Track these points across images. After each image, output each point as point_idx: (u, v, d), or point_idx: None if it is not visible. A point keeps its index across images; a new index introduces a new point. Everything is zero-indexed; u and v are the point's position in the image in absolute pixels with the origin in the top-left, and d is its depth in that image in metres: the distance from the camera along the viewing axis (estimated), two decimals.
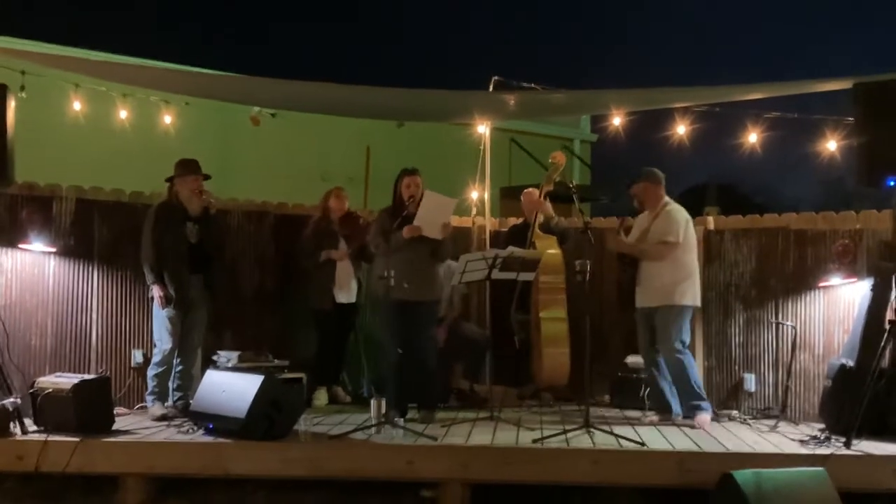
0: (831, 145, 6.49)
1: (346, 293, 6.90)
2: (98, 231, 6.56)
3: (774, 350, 6.59)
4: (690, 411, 5.97)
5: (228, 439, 5.20)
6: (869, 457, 4.97)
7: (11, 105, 5.51)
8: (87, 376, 5.67)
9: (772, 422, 6.07)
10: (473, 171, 7.71)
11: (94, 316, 6.52)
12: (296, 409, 5.54)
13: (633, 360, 6.80)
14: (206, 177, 6.26)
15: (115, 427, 5.51)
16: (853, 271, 6.23)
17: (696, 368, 6.11)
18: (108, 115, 7.72)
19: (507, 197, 11.28)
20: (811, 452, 5.00)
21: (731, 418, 6.29)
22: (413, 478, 5.08)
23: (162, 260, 6.04)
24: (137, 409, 6.43)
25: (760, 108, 6.70)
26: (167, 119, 7.83)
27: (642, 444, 5.21)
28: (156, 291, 6.04)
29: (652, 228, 6.11)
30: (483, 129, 7.60)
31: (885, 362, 5.40)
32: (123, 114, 7.71)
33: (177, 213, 6.15)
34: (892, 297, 5.63)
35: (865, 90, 5.37)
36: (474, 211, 7.81)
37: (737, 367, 6.73)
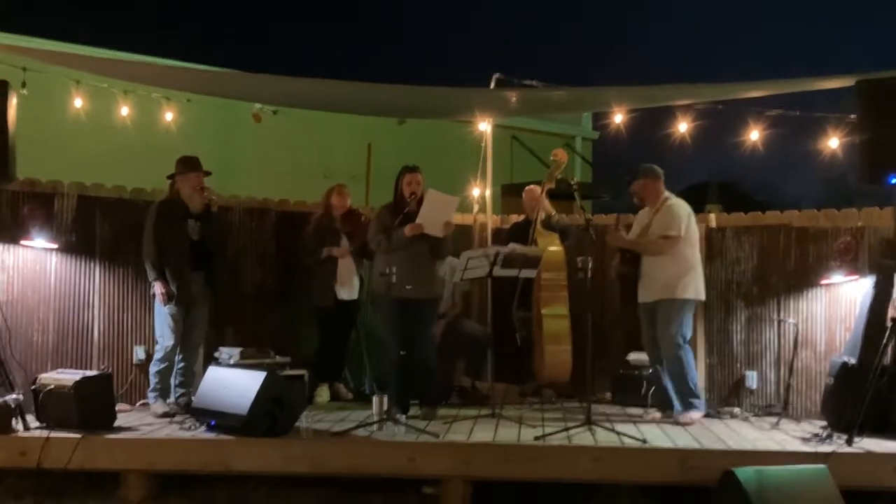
0: (833, 143, 6.47)
1: (347, 290, 6.90)
2: (100, 228, 6.57)
3: (776, 347, 6.59)
4: (683, 407, 5.97)
5: (230, 436, 5.21)
6: (871, 454, 4.96)
7: (13, 102, 5.51)
8: (89, 373, 5.69)
9: (774, 419, 6.06)
10: (475, 168, 7.71)
11: (96, 312, 6.53)
12: (297, 406, 5.56)
13: (635, 357, 6.80)
14: (208, 173, 6.27)
15: (116, 424, 5.52)
16: (855, 269, 6.23)
17: (694, 365, 6.10)
18: (109, 112, 7.70)
19: (509, 194, 11.25)
20: (813, 450, 5.00)
21: (732, 416, 6.29)
22: (415, 475, 5.08)
23: (164, 257, 6.05)
24: (139, 405, 6.43)
25: (762, 106, 6.69)
26: (168, 116, 7.80)
27: (644, 441, 5.21)
28: (157, 288, 6.05)
29: (653, 223, 6.10)
30: (484, 126, 7.60)
31: (887, 360, 5.40)
32: (125, 111, 7.69)
33: (178, 210, 6.15)
34: (894, 295, 5.63)
35: (868, 87, 5.36)
36: (476, 208, 7.81)
37: (738, 365, 6.72)
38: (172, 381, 6.20)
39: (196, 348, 6.29)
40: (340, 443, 5.25)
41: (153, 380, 6.14)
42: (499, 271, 5.96)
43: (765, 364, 6.62)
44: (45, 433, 5.16)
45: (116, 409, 5.69)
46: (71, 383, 5.36)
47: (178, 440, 5.26)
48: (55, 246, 6.35)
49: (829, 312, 6.36)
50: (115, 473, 5.15)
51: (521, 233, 6.95)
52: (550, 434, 5.34)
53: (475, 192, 7.79)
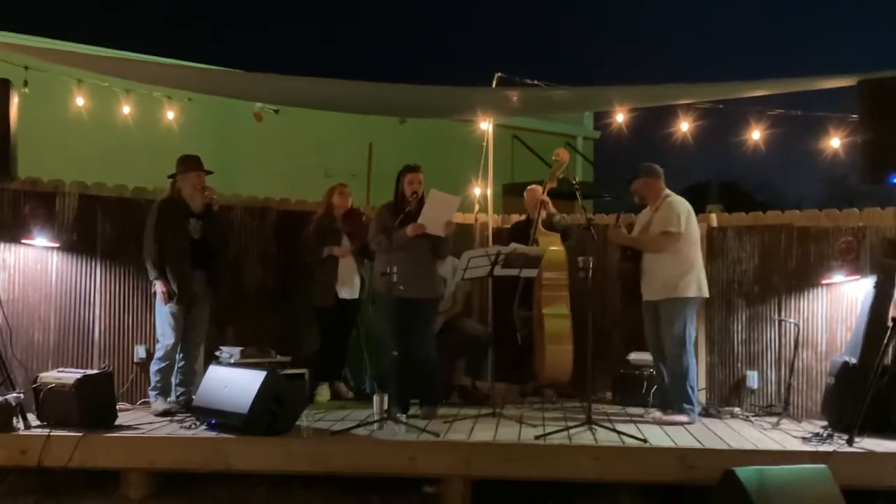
0: (835, 142, 6.47)
1: (348, 289, 6.90)
2: (101, 227, 6.57)
3: (777, 347, 6.58)
4: (675, 407, 5.96)
5: (231, 435, 5.21)
6: (871, 454, 4.96)
7: (14, 100, 5.50)
8: (89, 371, 5.70)
9: (774, 419, 6.06)
10: (476, 167, 7.71)
11: (97, 311, 6.53)
12: (298, 405, 5.56)
13: (636, 356, 6.80)
14: (209, 172, 6.27)
15: (117, 422, 5.53)
16: (856, 268, 6.22)
17: (696, 371, 6.07)
18: (110, 111, 7.72)
19: (510, 194, 11.27)
20: (814, 449, 5.00)
21: (733, 415, 6.29)
22: (415, 474, 5.09)
23: (165, 256, 6.05)
24: (140, 404, 6.44)
25: (763, 106, 6.69)
26: (170, 115, 7.82)
27: (644, 440, 5.21)
28: (158, 287, 6.05)
29: (653, 221, 6.09)
30: (486, 125, 7.59)
31: (888, 359, 5.40)
32: (126, 109, 7.71)
33: (179, 209, 6.16)
34: None
35: (870, 87, 5.35)
36: (477, 207, 7.81)
37: (739, 364, 6.72)
38: (173, 380, 6.20)
39: (197, 347, 6.29)
40: (341, 442, 5.25)
41: (154, 378, 6.15)
42: (500, 271, 5.96)
43: (766, 364, 6.62)
44: (45, 432, 5.16)
45: (117, 407, 5.70)
46: (72, 382, 5.36)
47: (178, 439, 5.26)
48: (56, 245, 6.36)
49: (830, 312, 6.35)
50: (116, 472, 5.16)
51: (523, 232, 6.95)
52: (551, 433, 5.34)
53: (476, 191, 7.79)
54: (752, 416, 6.27)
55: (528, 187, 7.25)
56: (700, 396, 6.36)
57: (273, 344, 6.78)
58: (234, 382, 5.41)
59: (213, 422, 5.38)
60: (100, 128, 8.48)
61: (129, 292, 6.63)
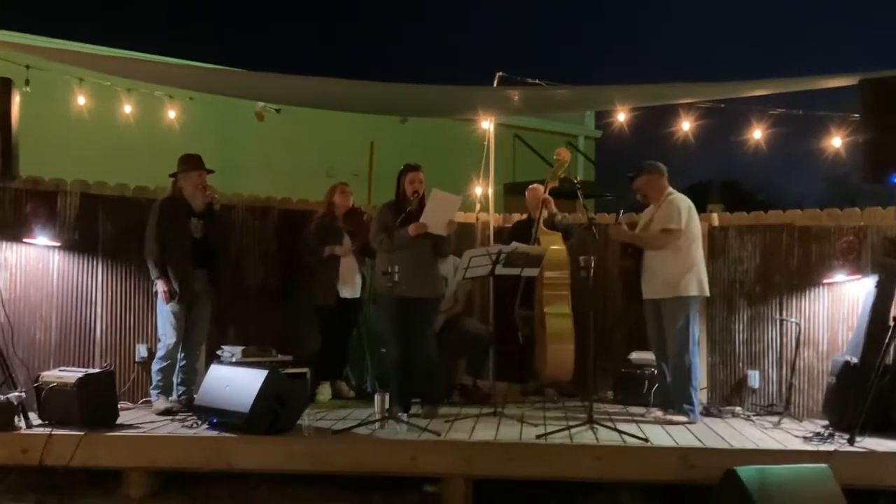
0: (836, 142, 6.48)
1: (350, 289, 6.90)
2: (102, 226, 6.58)
3: (778, 347, 6.58)
4: (676, 406, 5.96)
5: (232, 434, 5.21)
6: (873, 453, 4.96)
7: (16, 99, 5.51)
8: (91, 370, 5.70)
9: (775, 418, 6.06)
10: (477, 166, 7.71)
11: (99, 310, 6.54)
12: (299, 404, 5.55)
13: (637, 356, 6.80)
14: (210, 172, 6.27)
15: (119, 421, 5.53)
16: (858, 268, 6.22)
17: (699, 371, 6.07)
18: (112, 110, 7.73)
19: (511, 193, 11.27)
20: (815, 449, 5.00)
21: (734, 414, 6.28)
22: (416, 473, 5.09)
23: (166, 255, 6.06)
24: (141, 403, 6.45)
25: (765, 105, 6.70)
26: (171, 114, 7.83)
27: (646, 439, 5.21)
28: (160, 286, 6.05)
29: (655, 218, 6.08)
30: (487, 124, 7.60)
31: (890, 359, 5.40)
32: (127, 108, 7.73)
33: (181, 208, 6.16)
34: None
35: (871, 87, 5.34)
36: (478, 207, 7.81)
37: (741, 364, 6.72)
38: (174, 379, 6.21)
39: (198, 346, 6.29)
40: (342, 441, 5.25)
41: (155, 377, 6.15)
42: (501, 270, 5.95)
43: (767, 363, 6.62)
44: (47, 430, 5.16)
45: (118, 406, 5.70)
46: (73, 381, 5.37)
47: (179, 438, 5.26)
48: (58, 244, 6.36)
49: (832, 312, 6.35)
50: (117, 471, 5.16)
51: (524, 231, 6.95)
52: (552, 433, 5.33)
53: (477, 190, 7.79)
54: (754, 415, 6.27)
55: (530, 186, 7.25)
56: (701, 396, 6.35)
57: (274, 343, 6.79)
58: (235, 381, 5.41)
59: (215, 421, 5.38)
60: (101, 127, 8.49)
61: (131, 291, 6.63)
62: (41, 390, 5.45)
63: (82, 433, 5.12)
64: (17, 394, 5.32)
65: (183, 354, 6.21)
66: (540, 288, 6.75)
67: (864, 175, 5.45)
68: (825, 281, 6.36)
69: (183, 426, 5.51)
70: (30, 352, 6.19)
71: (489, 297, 6.89)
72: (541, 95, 7.01)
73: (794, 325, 6.47)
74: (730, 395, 6.71)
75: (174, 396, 6.18)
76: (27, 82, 6.63)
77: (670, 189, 6.14)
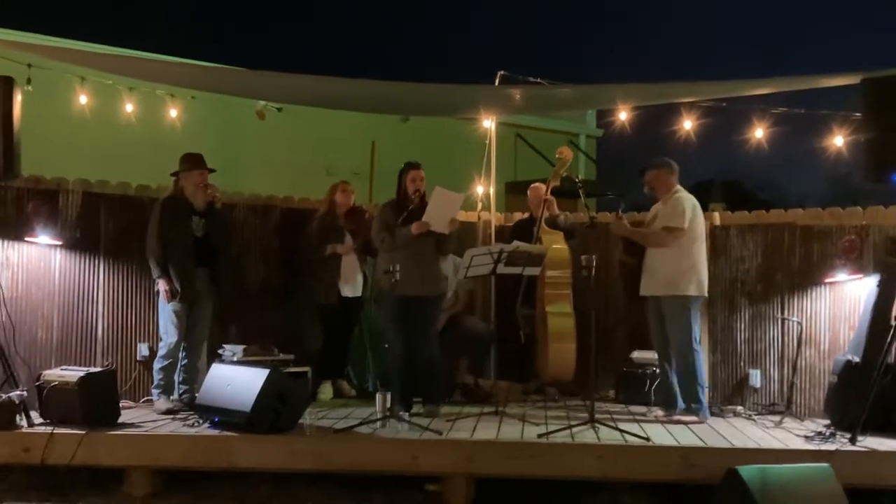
0: (838, 141, 6.47)
1: (351, 287, 6.90)
2: (104, 224, 6.57)
3: (780, 346, 6.58)
4: (685, 406, 5.96)
5: (234, 433, 5.21)
6: (874, 453, 4.96)
7: (18, 98, 5.51)
8: (92, 369, 5.70)
9: (777, 418, 6.06)
10: (479, 165, 7.71)
11: (100, 309, 6.54)
12: (301, 403, 5.56)
13: (639, 355, 6.80)
14: (211, 170, 6.27)
15: (120, 420, 5.53)
16: (859, 267, 6.22)
17: (703, 369, 6.06)
18: (113, 109, 7.74)
19: (513, 192, 11.28)
20: (816, 448, 5.00)
21: (735, 414, 6.28)
22: (418, 472, 5.09)
23: (168, 254, 6.06)
24: (143, 402, 6.45)
25: (767, 104, 6.69)
26: (173, 113, 7.84)
27: (647, 439, 5.21)
28: (161, 285, 6.06)
29: (659, 214, 6.08)
30: (488, 123, 7.59)
31: (891, 358, 5.39)
32: (129, 107, 7.73)
33: (183, 207, 6.16)
34: None
35: (873, 85, 5.34)
36: (480, 206, 7.80)
37: (742, 363, 6.72)
38: (176, 378, 6.21)
39: (200, 345, 6.30)
40: (343, 440, 5.25)
41: (157, 376, 6.16)
42: (503, 269, 5.95)
43: (768, 362, 6.62)
44: (48, 429, 5.17)
45: (120, 405, 5.70)
46: (75, 380, 5.37)
47: (181, 437, 5.26)
48: (59, 242, 6.36)
49: (834, 311, 6.34)
50: (119, 470, 5.16)
51: (526, 230, 6.95)
52: (554, 432, 5.33)
53: (479, 189, 7.79)
54: (755, 414, 6.27)
55: (532, 185, 7.25)
56: None
57: (276, 342, 6.78)
58: (237, 380, 5.41)
59: (217, 420, 5.38)
60: (103, 125, 8.50)
61: (132, 290, 6.63)
62: (43, 389, 5.46)
63: (84, 432, 5.12)
64: (18, 392, 5.33)
65: (184, 353, 6.21)
66: (541, 287, 6.75)
67: (866, 174, 5.45)
68: (827, 280, 6.36)
69: (184, 425, 5.51)
70: (31, 350, 6.19)
71: (491, 295, 6.88)
72: (542, 94, 7.00)
73: (795, 324, 6.46)
74: (731, 394, 6.71)
75: (176, 395, 6.18)
76: (29, 81, 6.63)
77: (678, 187, 6.13)
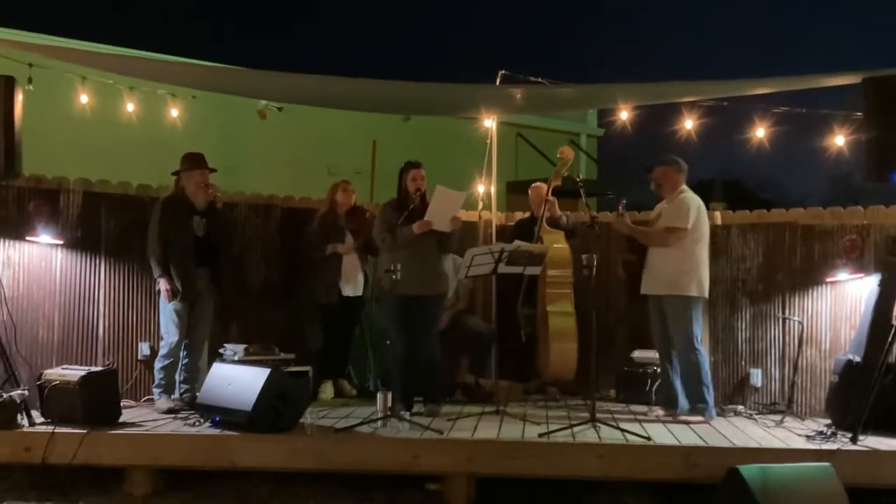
0: (839, 140, 6.47)
1: (352, 287, 6.90)
2: (105, 224, 6.58)
3: (781, 345, 6.58)
4: (690, 406, 5.95)
5: (235, 432, 5.21)
6: (875, 452, 4.96)
7: (19, 98, 5.51)
8: (94, 369, 5.70)
9: (778, 417, 6.06)
10: (480, 165, 7.70)
11: (101, 308, 6.54)
12: (302, 403, 5.56)
13: (640, 354, 6.80)
14: (212, 170, 6.27)
15: (121, 419, 5.54)
16: (860, 267, 6.22)
17: (708, 369, 6.06)
18: (114, 108, 7.74)
19: (514, 191, 11.27)
20: (817, 448, 5.00)
21: (736, 413, 6.28)
22: (418, 471, 5.09)
23: (169, 253, 6.06)
24: (144, 401, 6.44)
25: (768, 103, 6.68)
26: (174, 112, 7.84)
27: (648, 438, 5.21)
28: (162, 285, 6.06)
29: (663, 214, 6.07)
30: (489, 123, 7.59)
31: (892, 358, 5.39)
32: (130, 107, 7.73)
33: (184, 206, 6.16)
34: None
35: (875, 85, 5.34)
36: (481, 205, 7.79)
37: (743, 362, 6.71)
38: (177, 377, 6.21)
39: (201, 344, 6.30)
40: (344, 439, 5.25)
41: (158, 376, 6.16)
42: (504, 268, 5.95)
43: (769, 362, 6.61)
44: (49, 429, 5.17)
45: (121, 404, 5.70)
46: (76, 379, 5.37)
47: (182, 436, 5.26)
48: (60, 242, 6.37)
49: (835, 310, 6.34)
50: (120, 469, 5.16)
51: (527, 230, 6.94)
52: (555, 431, 5.33)
53: (480, 188, 7.78)
54: (756, 414, 6.27)
55: (533, 185, 7.24)
56: None
57: (277, 341, 6.78)
58: (237, 380, 5.41)
59: (217, 419, 5.38)
60: (104, 125, 8.50)
61: (133, 289, 6.63)
62: (44, 388, 5.46)
63: (85, 431, 5.13)
64: (19, 392, 5.32)
65: (185, 353, 6.21)
66: (542, 286, 6.75)
67: (868, 173, 5.45)
68: (828, 279, 6.36)
69: (185, 424, 5.51)
70: (32, 350, 6.20)
71: (492, 295, 6.88)
72: (543, 93, 7.00)
73: (796, 323, 6.46)
74: (732, 393, 6.70)
75: (177, 395, 6.18)
76: (30, 80, 6.64)
77: (684, 187, 6.11)
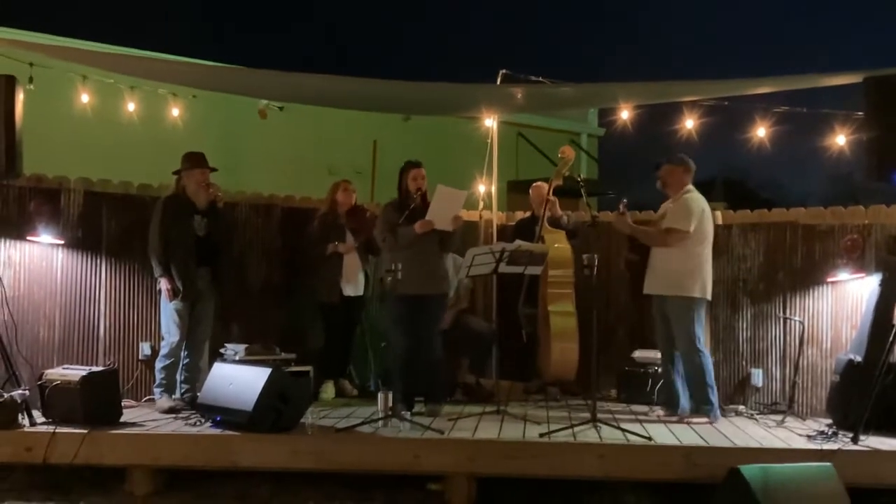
0: (840, 140, 6.47)
1: (353, 286, 6.90)
2: (106, 223, 6.58)
3: (782, 345, 6.57)
4: (694, 407, 5.95)
5: (236, 432, 5.21)
6: (876, 452, 4.96)
7: (19, 97, 5.51)
8: (94, 368, 5.70)
9: (779, 417, 6.06)
10: (481, 164, 7.69)
11: (102, 308, 6.54)
12: (303, 402, 5.56)
13: (641, 354, 6.79)
14: (213, 170, 6.28)
15: (122, 419, 5.54)
16: (861, 266, 6.21)
17: (712, 369, 6.05)
18: (115, 108, 7.74)
19: (515, 191, 11.28)
20: (818, 447, 5.00)
21: (737, 413, 6.28)
22: (419, 471, 5.09)
23: (169, 253, 6.06)
24: (145, 401, 6.45)
25: (769, 103, 6.68)
26: (175, 112, 7.84)
27: (649, 438, 5.21)
28: (163, 284, 6.06)
29: (668, 214, 6.06)
30: (490, 122, 7.58)
31: (893, 358, 5.38)
32: (131, 106, 7.73)
33: (184, 206, 6.16)
34: None
35: (876, 84, 5.33)
36: (481, 205, 7.79)
37: (744, 362, 6.71)
38: (178, 377, 6.21)
39: (201, 344, 6.30)
40: (345, 439, 5.25)
41: (159, 375, 6.16)
42: (504, 268, 5.95)
43: (770, 361, 6.61)
44: (50, 428, 5.17)
45: (122, 404, 5.70)
46: (77, 379, 5.37)
47: (183, 436, 5.26)
48: (61, 241, 6.37)
49: (836, 310, 6.34)
50: (121, 469, 5.16)
51: (527, 229, 6.94)
52: (555, 431, 5.33)
53: (481, 188, 7.78)
54: (757, 414, 6.27)
55: (534, 184, 7.24)
56: None
57: (278, 341, 6.78)
58: (238, 379, 5.42)
59: (218, 419, 5.39)
60: (104, 124, 8.51)
61: (134, 289, 6.64)
62: (45, 388, 5.46)
63: (86, 431, 5.13)
64: (20, 392, 5.33)
65: (186, 352, 6.21)
66: (543, 286, 6.75)
67: (869, 173, 5.44)
68: (829, 279, 6.35)
69: (186, 424, 5.51)
70: (33, 350, 6.20)
71: (493, 295, 6.88)
72: (544, 93, 7.00)
73: (797, 323, 6.46)
74: (733, 393, 6.70)
75: (177, 394, 6.18)
76: (31, 80, 6.63)
77: (689, 187, 6.08)
